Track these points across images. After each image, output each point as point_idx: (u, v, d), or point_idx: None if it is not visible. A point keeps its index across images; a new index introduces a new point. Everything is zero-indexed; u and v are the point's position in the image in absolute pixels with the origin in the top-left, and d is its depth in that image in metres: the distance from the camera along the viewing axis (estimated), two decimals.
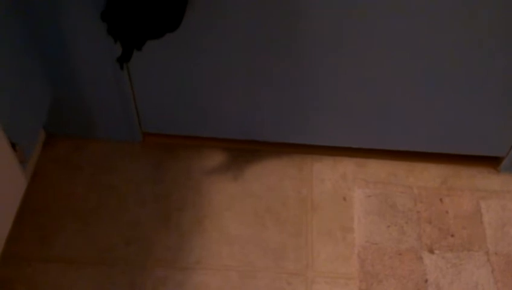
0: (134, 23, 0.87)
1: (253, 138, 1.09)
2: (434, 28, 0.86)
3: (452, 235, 0.98)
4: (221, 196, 1.05)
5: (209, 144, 1.11)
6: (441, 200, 1.03)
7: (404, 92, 0.97)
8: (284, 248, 0.98)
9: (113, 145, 1.11)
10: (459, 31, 0.86)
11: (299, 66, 0.94)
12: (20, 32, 0.89)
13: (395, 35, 0.88)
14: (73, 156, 1.09)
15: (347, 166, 1.09)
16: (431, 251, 0.96)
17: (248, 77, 0.97)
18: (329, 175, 1.08)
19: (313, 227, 1.01)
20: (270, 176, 1.08)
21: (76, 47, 0.94)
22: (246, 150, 1.10)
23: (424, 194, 1.04)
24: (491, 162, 1.09)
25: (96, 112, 1.06)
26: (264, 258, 0.97)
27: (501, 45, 0.87)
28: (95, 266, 0.95)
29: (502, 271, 0.94)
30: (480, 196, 1.04)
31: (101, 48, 0.93)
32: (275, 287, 0.94)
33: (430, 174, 1.08)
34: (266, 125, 1.07)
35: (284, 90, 0.99)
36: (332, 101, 1.00)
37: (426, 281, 0.93)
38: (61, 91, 1.02)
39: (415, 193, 1.04)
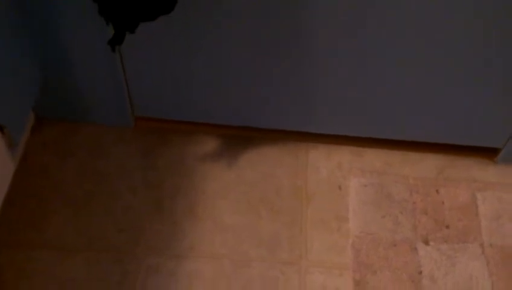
0: (127, 5, 0.85)
1: (249, 125, 1.07)
2: (434, 20, 0.85)
3: (447, 227, 0.98)
4: (214, 183, 1.03)
5: (203, 130, 1.09)
6: (437, 191, 1.02)
7: (402, 81, 0.96)
8: (278, 237, 0.97)
9: (105, 129, 1.08)
10: (459, 23, 0.85)
11: (296, 53, 0.92)
12: (10, 12, 0.86)
13: (393, 27, 0.86)
14: (63, 141, 1.07)
15: (343, 155, 1.08)
16: (426, 242, 0.95)
17: (244, 63, 0.95)
18: (324, 164, 1.07)
19: (308, 216, 1.00)
20: (265, 164, 1.06)
21: (67, 28, 0.91)
22: (240, 137, 1.09)
23: (420, 184, 1.03)
24: (488, 153, 1.08)
25: (88, 95, 1.04)
26: (258, 247, 0.96)
27: (500, 36, 0.86)
28: (87, 253, 0.94)
29: (497, 264, 0.94)
30: (476, 187, 1.03)
31: (93, 30, 0.90)
32: (268, 277, 0.93)
33: (426, 164, 1.08)
34: (262, 111, 1.05)
35: (280, 77, 0.97)
36: (329, 89, 0.99)
37: (420, 272, 0.92)
38: (51, 73, 0.99)
39: (411, 183, 1.03)
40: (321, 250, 0.96)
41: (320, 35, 0.89)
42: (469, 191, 1.03)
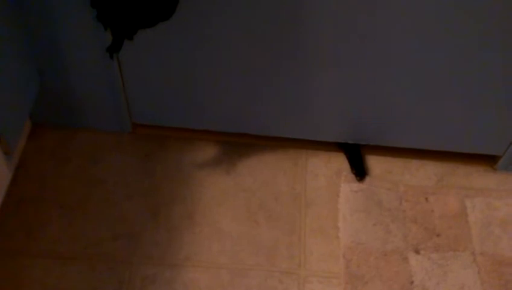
0: (125, 11, 0.84)
1: (247, 131, 1.07)
2: (433, 27, 0.85)
3: (438, 235, 0.97)
4: (212, 190, 1.02)
5: (201, 136, 1.08)
6: (426, 199, 1.01)
7: (402, 89, 0.95)
8: (277, 246, 0.96)
9: (102, 136, 1.07)
10: (458, 31, 0.85)
11: (296, 60, 0.92)
12: (6, 18, 0.85)
13: (393, 34, 0.86)
14: (60, 147, 1.06)
15: (342, 162, 1.07)
16: (417, 252, 0.94)
17: (243, 69, 0.95)
18: (323, 171, 1.06)
19: (306, 224, 0.99)
20: (264, 171, 1.05)
21: (65, 34, 0.91)
22: (239, 144, 1.08)
23: (410, 192, 1.02)
24: (488, 160, 1.07)
25: (85, 101, 1.03)
26: (256, 255, 0.95)
27: (499, 44, 0.86)
28: (82, 261, 0.92)
29: (488, 272, 0.93)
30: (465, 194, 1.03)
31: (90, 35, 0.90)
32: (266, 286, 0.92)
33: (426, 172, 1.07)
34: (260, 118, 1.04)
35: (280, 84, 0.97)
36: (328, 96, 0.98)
37: (412, 282, 0.91)
38: (48, 80, 0.98)
39: (400, 190, 1.02)
40: (320, 259, 0.95)
41: (320, 43, 0.89)
42: (458, 199, 1.02)
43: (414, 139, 1.05)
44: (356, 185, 1.02)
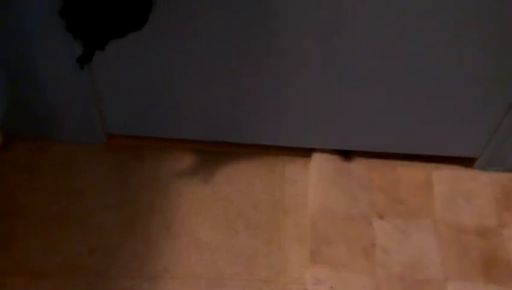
0: (96, 22, 0.83)
1: (224, 139, 1.06)
2: (407, 32, 0.85)
3: (402, 203, 1.00)
4: (190, 200, 1.01)
5: (178, 145, 1.07)
6: (394, 169, 1.04)
7: (377, 95, 0.95)
8: (256, 254, 0.96)
9: (76, 147, 1.06)
10: (429, 35, 0.85)
11: (272, 67, 0.91)
12: None
13: (369, 40, 0.86)
14: (33, 159, 1.04)
15: None
16: (381, 217, 0.98)
17: (219, 77, 0.94)
18: (301, 177, 1.06)
19: (286, 231, 0.99)
20: (242, 179, 1.05)
21: (35, 43, 0.89)
22: (216, 152, 1.07)
23: (379, 163, 1.05)
24: (465, 162, 1.08)
25: (57, 112, 1.01)
26: (235, 265, 0.94)
27: (473, 48, 0.86)
28: (59, 276, 0.91)
29: (448, 239, 0.96)
30: (432, 166, 1.06)
31: (61, 45, 0.88)
32: None
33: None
34: (237, 126, 1.04)
35: (256, 91, 0.96)
36: (305, 103, 0.98)
37: (374, 245, 0.94)
38: (19, 91, 0.97)
39: (369, 160, 1.05)
40: (299, 266, 0.95)
41: (296, 50, 0.88)
42: (425, 170, 1.05)
43: (391, 143, 1.05)
44: (328, 155, 1.05)
